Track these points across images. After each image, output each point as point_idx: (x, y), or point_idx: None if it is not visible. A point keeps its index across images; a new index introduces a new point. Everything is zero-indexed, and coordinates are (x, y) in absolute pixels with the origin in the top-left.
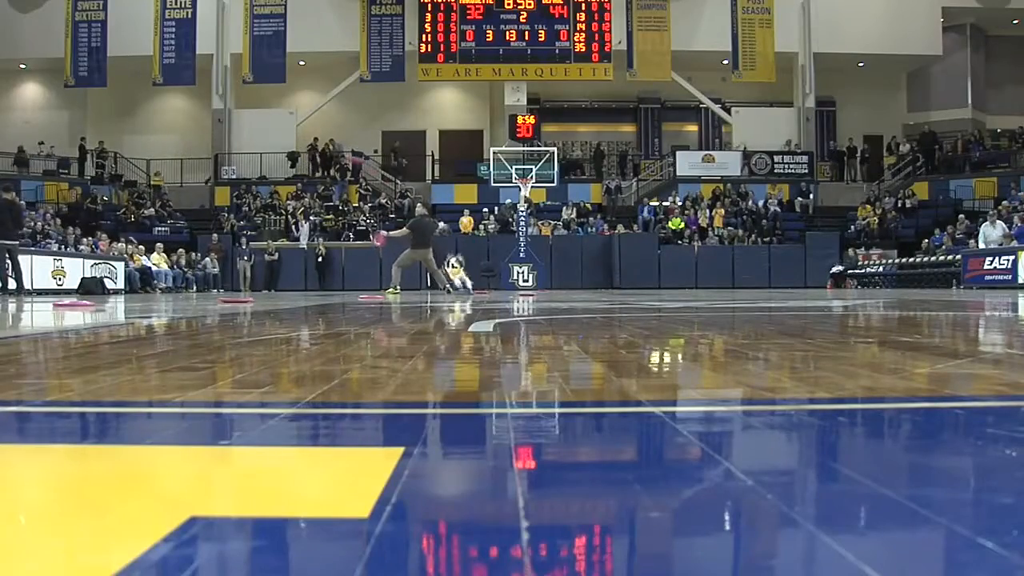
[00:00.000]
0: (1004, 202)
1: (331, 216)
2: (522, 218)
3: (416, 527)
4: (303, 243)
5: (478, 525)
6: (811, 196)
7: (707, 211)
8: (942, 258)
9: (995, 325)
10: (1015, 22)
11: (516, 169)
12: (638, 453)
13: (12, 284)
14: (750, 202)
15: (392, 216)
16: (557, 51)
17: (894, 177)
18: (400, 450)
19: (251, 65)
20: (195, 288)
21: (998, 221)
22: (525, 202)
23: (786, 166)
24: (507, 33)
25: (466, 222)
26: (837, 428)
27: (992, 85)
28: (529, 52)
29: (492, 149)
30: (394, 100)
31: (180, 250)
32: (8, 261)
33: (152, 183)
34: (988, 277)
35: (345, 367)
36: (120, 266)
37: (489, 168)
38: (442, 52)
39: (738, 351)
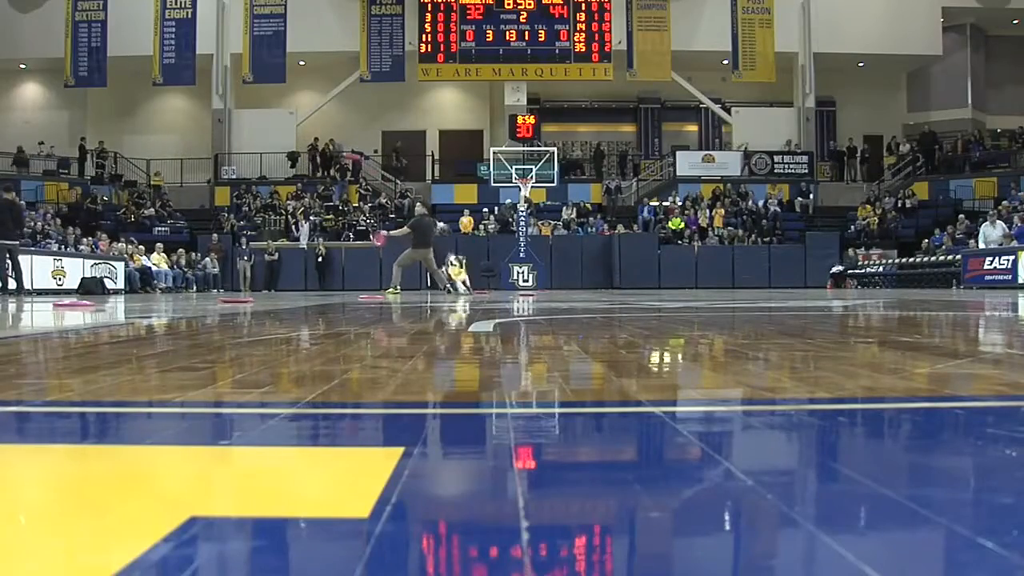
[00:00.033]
0: (1004, 202)
1: (331, 216)
2: (522, 218)
3: (416, 527)
4: (303, 243)
5: (478, 525)
6: (811, 196)
7: (707, 211)
8: (942, 258)
9: (995, 325)
10: (1015, 22)
11: (516, 169)
12: (638, 453)
13: (12, 284)
14: (750, 202)
15: (392, 216)
16: (557, 51)
17: (894, 177)
18: (400, 450)
19: (251, 65)
20: (195, 288)
21: (998, 221)
22: (525, 202)
23: (786, 166)
24: (507, 33)
25: (466, 222)
26: (837, 428)
27: (992, 85)
28: (529, 52)
29: (492, 149)
30: (394, 100)
31: (180, 250)
32: (8, 261)
33: (152, 183)
34: (988, 277)
35: (345, 367)
36: (120, 266)
37: (489, 168)
38: (442, 52)
39: (738, 351)
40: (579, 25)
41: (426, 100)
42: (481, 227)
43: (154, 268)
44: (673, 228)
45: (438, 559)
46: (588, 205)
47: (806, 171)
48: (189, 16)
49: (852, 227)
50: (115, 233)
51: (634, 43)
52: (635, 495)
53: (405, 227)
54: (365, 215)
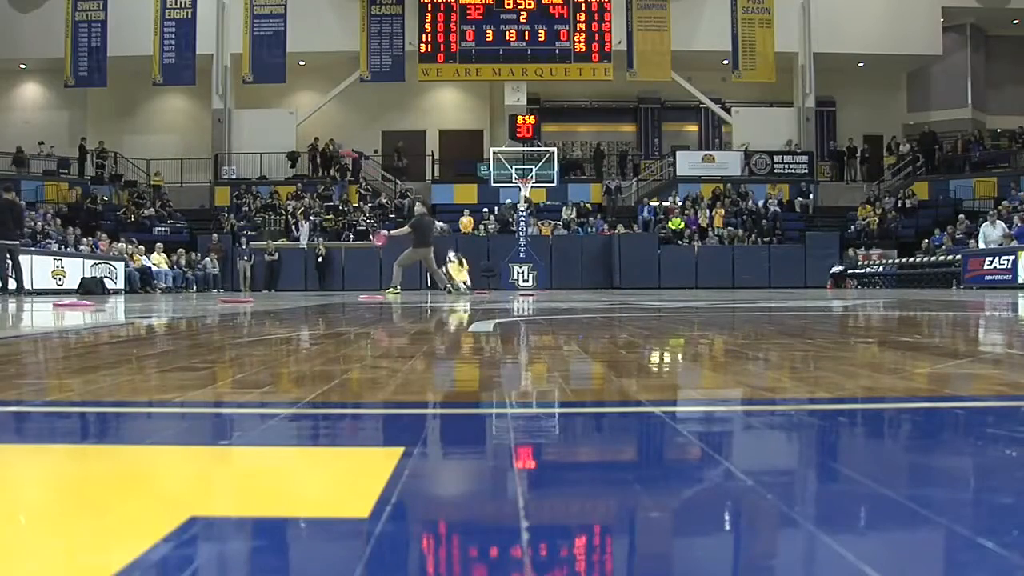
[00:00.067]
0: (1004, 202)
1: (331, 216)
2: (522, 218)
3: (416, 527)
4: (303, 243)
5: (478, 525)
6: (811, 196)
7: (707, 211)
8: (942, 258)
9: (995, 325)
10: (1015, 22)
11: (516, 169)
12: (638, 453)
13: (12, 284)
14: (750, 202)
15: (392, 216)
16: (557, 51)
17: (894, 177)
18: (400, 450)
19: (251, 65)
20: (195, 288)
21: (998, 221)
22: (525, 202)
23: (786, 166)
24: (507, 33)
25: (466, 222)
26: (837, 428)
27: (992, 85)
28: (529, 52)
29: (492, 149)
30: (394, 100)
31: (180, 250)
32: (8, 261)
33: (152, 183)
34: (988, 277)
35: (345, 367)
36: (120, 266)
37: (489, 168)
38: (442, 52)
39: (738, 351)
40: (579, 25)
41: (426, 100)
42: (481, 227)
43: (154, 268)
44: (673, 228)
45: (438, 559)
46: (588, 205)
47: (806, 171)
48: (189, 16)
49: (852, 227)
50: (115, 233)
51: (634, 43)
52: (635, 495)
53: (406, 226)
54: (365, 215)
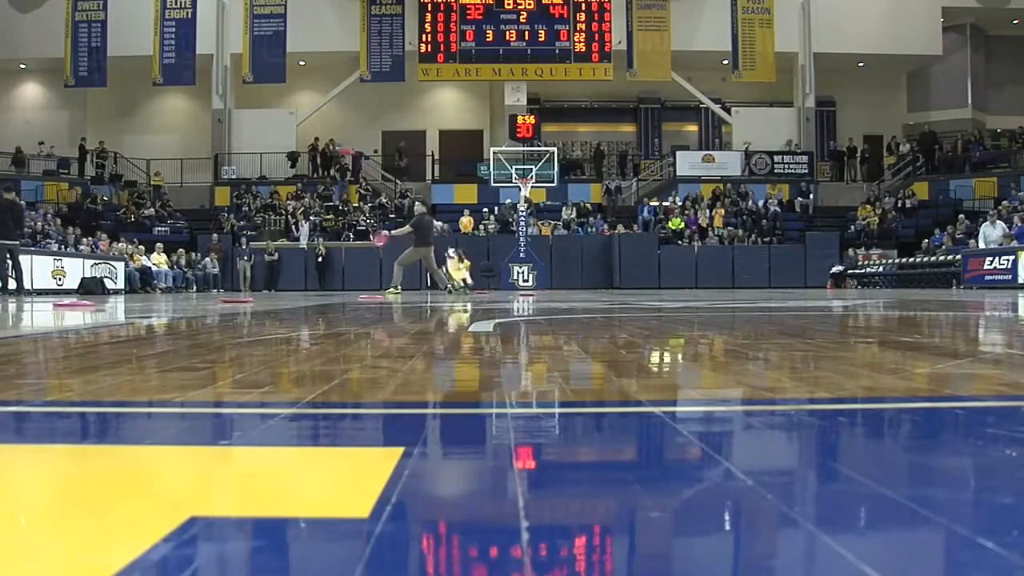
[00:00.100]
0: (1004, 202)
1: (331, 216)
2: (522, 218)
3: (416, 527)
4: (303, 243)
5: (478, 525)
6: (811, 196)
7: (707, 211)
8: (942, 258)
9: (995, 325)
10: (1015, 22)
11: (516, 169)
12: (638, 453)
13: (12, 284)
14: (750, 202)
15: (392, 216)
16: (557, 51)
17: (894, 177)
18: (400, 450)
19: (251, 65)
20: (195, 288)
21: (998, 221)
22: (525, 202)
23: (786, 166)
24: (507, 33)
25: (466, 222)
26: (837, 428)
27: (992, 85)
28: (529, 52)
29: (492, 149)
30: (394, 100)
31: (180, 250)
32: (9, 261)
33: (152, 183)
34: (988, 277)
35: (345, 367)
36: (120, 266)
37: (489, 168)
38: (442, 52)
39: (738, 351)
40: (579, 25)
41: (426, 100)
42: (481, 227)
43: (154, 268)
44: (673, 228)
45: (438, 559)
46: (588, 205)
47: (806, 171)
48: (189, 16)
49: (852, 227)
50: (115, 233)
51: (634, 43)
52: (635, 495)
53: (407, 226)
54: (365, 215)
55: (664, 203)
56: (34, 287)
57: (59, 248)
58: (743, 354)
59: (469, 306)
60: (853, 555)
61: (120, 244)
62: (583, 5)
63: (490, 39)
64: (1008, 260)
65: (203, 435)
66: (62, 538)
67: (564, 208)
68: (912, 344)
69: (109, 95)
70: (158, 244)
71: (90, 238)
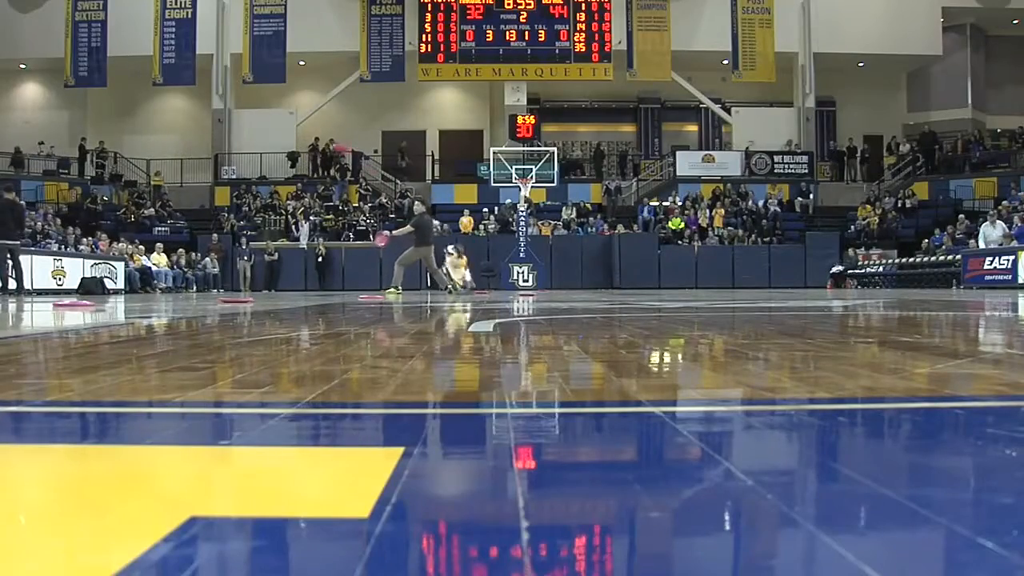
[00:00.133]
0: (1004, 202)
1: (331, 216)
2: (522, 218)
3: (416, 527)
4: (303, 243)
5: (478, 525)
6: (811, 196)
7: (707, 211)
8: (942, 258)
9: (995, 325)
10: (1015, 22)
11: (516, 169)
12: (638, 453)
13: (12, 284)
14: (750, 202)
15: (392, 216)
16: (557, 51)
17: (894, 177)
18: (400, 450)
19: (251, 65)
20: (195, 288)
21: (998, 221)
22: (525, 202)
23: (786, 166)
24: (507, 33)
25: (466, 222)
26: (837, 428)
27: (992, 85)
28: (529, 52)
29: (492, 149)
30: (394, 100)
31: (180, 250)
32: (9, 261)
33: (152, 183)
34: (988, 277)
35: (345, 367)
36: (120, 266)
37: (489, 168)
38: (442, 52)
39: (738, 351)
40: (579, 25)
41: (426, 100)
42: (481, 227)
43: (154, 268)
44: (673, 228)
45: (438, 559)
46: (588, 205)
47: (806, 171)
48: (189, 16)
49: (852, 227)
50: (115, 233)
51: (634, 43)
52: (635, 495)
53: (408, 225)
54: (365, 215)
55: (664, 203)
56: (34, 287)
57: (59, 248)
58: (743, 354)
59: (469, 306)
60: (853, 555)
61: (120, 244)
62: (583, 5)
63: (490, 39)
64: (1008, 260)
65: (203, 435)
66: (62, 538)
67: (564, 208)
68: (912, 344)
69: (109, 95)
70: (158, 244)
71: (90, 238)
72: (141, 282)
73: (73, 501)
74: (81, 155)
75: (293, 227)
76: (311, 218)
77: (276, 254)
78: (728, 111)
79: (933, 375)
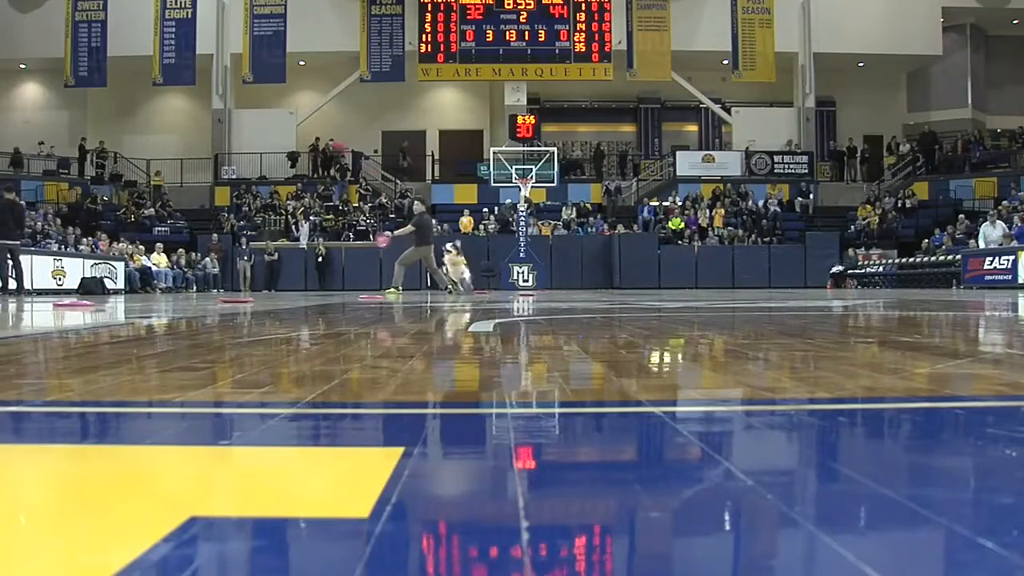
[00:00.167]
0: (1004, 202)
1: (331, 216)
2: (522, 218)
3: (416, 527)
4: (303, 243)
5: (478, 525)
6: (811, 196)
7: (707, 211)
8: (942, 258)
9: (995, 325)
10: (1015, 22)
11: (516, 169)
12: (638, 453)
13: (12, 284)
14: (750, 202)
15: (392, 216)
16: (557, 51)
17: (894, 177)
18: (400, 450)
19: (251, 65)
20: (195, 288)
21: (998, 221)
22: (525, 202)
23: (786, 166)
24: (507, 33)
25: (466, 222)
26: (837, 428)
27: (992, 85)
28: (529, 52)
29: (492, 149)
30: (394, 100)
31: (180, 250)
32: (9, 261)
33: (152, 183)
34: (988, 277)
35: (345, 367)
36: (120, 266)
37: (489, 168)
38: (442, 52)
39: (738, 351)
40: (579, 25)
41: (426, 100)
42: (481, 227)
43: (154, 268)
44: (673, 228)
45: (438, 559)
46: (588, 205)
47: (806, 171)
48: (189, 16)
49: (852, 227)
50: (115, 233)
51: (634, 43)
52: (635, 495)
53: (409, 225)
54: (365, 215)
55: (664, 203)
56: (34, 287)
57: (59, 248)
58: (743, 354)
59: (469, 306)
60: (853, 555)
61: (120, 244)
62: (583, 5)
63: (490, 39)
64: (1008, 260)
65: (203, 435)
66: (62, 538)
67: (564, 208)
68: (912, 344)
69: (109, 95)
70: (158, 244)
71: (90, 238)
72: (141, 282)
73: (73, 501)
74: (81, 155)
75: (293, 227)
76: (311, 218)
77: (276, 254)
78: (728, 111)
79: (933, 375)
